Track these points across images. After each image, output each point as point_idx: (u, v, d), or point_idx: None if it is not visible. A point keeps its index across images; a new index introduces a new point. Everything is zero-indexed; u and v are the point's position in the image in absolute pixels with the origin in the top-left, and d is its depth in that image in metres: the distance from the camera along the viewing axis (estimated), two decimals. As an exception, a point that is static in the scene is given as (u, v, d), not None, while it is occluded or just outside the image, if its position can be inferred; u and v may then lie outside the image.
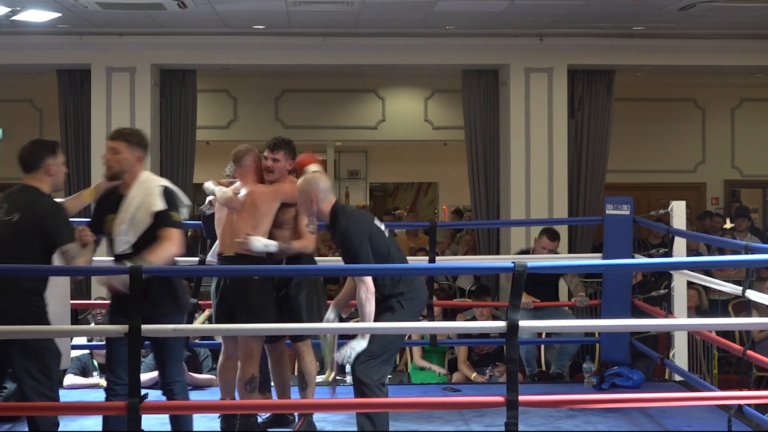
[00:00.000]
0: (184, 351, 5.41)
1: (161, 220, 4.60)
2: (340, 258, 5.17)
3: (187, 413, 4.84)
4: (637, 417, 5.84)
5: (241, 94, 12.38)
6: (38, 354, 4.55)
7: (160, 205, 4.61)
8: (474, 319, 7.67)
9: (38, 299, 4.60)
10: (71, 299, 6.60)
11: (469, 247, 10.44)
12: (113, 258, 4.73)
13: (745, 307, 6.85)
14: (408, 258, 8.85)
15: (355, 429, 4.76)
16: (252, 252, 5.30)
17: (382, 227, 5.00)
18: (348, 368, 5.03)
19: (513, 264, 4.28)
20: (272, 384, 5.74)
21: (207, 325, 5.21)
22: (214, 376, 6.44)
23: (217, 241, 5.64)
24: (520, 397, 4.30)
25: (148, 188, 4.67)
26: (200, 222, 5.89)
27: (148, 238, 4.59)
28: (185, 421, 4.77)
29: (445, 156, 13.90)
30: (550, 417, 5.82)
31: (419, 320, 5.36)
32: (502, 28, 9.52)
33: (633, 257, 6.88)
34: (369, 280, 4.76)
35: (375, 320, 4.76)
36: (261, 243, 5.30)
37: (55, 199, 4.68)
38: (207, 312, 6.62)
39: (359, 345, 4.73)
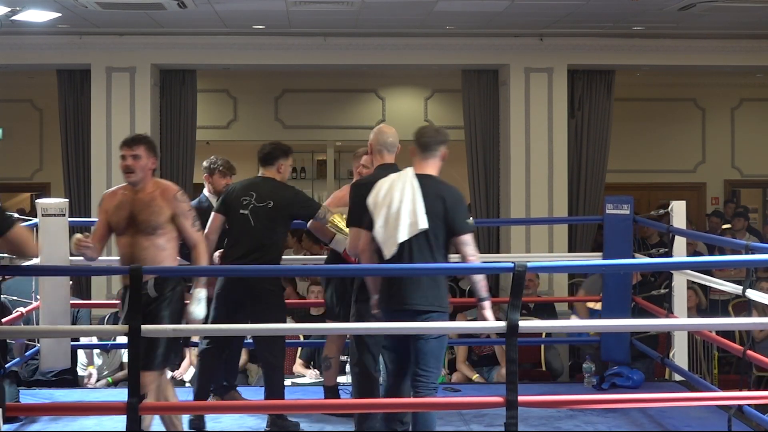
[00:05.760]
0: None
1: None
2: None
3: (185, 413, 4.83)
4: (637, 417, 5.83)
5: (241, 94, 12.37)
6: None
7: None
8: (476, 319, 7.65)
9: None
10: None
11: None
12: None
13: (745, 307, 6.85)
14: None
15: (354, 429, 4.75)
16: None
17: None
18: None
19: (513, 264, 4.28)
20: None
21: (208, 326, 5.17)
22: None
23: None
24: (520, 398, 4.31)
25: None
26: None
27: None
28: (426, 419, 4.63)
29: (445, 156, 13.87)
30: (550, 417, 5.82)
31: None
32: (502, 28, 9.51)
33: (633, 257, 6.87)
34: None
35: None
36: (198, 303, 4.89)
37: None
38: None
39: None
